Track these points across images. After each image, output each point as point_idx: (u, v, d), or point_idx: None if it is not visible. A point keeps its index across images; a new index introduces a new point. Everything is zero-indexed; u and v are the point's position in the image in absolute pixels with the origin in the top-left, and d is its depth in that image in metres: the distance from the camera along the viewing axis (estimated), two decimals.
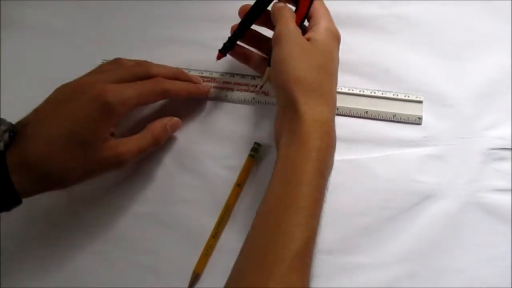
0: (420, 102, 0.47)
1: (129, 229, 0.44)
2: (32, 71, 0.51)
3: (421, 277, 0.41)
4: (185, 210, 0.44)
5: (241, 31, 0.45)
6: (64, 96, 0.39)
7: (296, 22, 0.42)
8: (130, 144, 0.41)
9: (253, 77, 0.48)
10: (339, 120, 0.46)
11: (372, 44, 0.50)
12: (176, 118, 0.46)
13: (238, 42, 0.46)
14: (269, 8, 0.44)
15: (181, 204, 0.44)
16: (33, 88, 0.49)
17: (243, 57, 0.46)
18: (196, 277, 0.42)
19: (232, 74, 0.48)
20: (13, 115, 0.48)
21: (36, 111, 0.39)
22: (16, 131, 0.37)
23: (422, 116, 0.46)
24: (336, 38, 0.41)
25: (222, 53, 0.46)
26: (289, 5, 0.43)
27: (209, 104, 0.48)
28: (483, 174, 0.44)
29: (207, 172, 0.45)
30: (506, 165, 0.45)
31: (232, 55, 0.47)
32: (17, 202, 0.36)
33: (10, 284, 0.43)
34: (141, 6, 0.53)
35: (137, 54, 0.48)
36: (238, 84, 0.48)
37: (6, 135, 0.36)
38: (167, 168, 0.46)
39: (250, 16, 0.44)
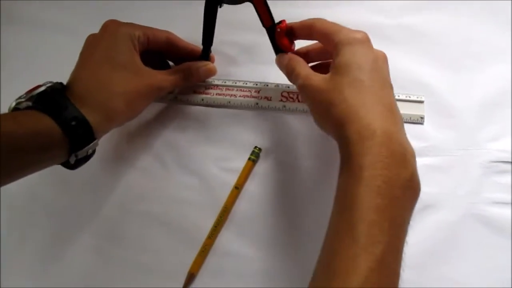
0: (421, 102, 0.47)
1: (126, 227, 0.44)
2: (33, 68, 0.51)
3: (417, 286, 0.41)
4: (183, 211, 0.45)
5: (205, 40, 0.45)
6: (92, 42, 0.42)
7: (267, 23, 0.42)
8: (164, 73, 0.44)
9: (256, 83, 0.49)
10: None
11: None
12: (211, 65, 0.47)
13: None
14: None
15: (180, 204, 0.45)
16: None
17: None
18: (191, 277, 0.42)
19: (234, 81, 0.49)
20: None
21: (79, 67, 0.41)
22: (93, 152, 0.40)
23: (424, 115, 0.46)
24: (360, 42, 0.38)
25: None
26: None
27: (211, 108, 0.48)
28: (483, 186, 0.44)
29: (207, 174, 0.46)
30: (506, 178, 0.44)
31: None
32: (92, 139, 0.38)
33: (9, 279, 0.43)
34: (146, 6, 0.53)
35: None
36: (241, 90, 0.49)
37: (90, 151, 0.39)
38: (168, 168, 0.46)
39: (206, 24, 0.44)
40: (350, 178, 0.31)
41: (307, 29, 0.41)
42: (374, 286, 0.28)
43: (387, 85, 0.37)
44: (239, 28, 0.51)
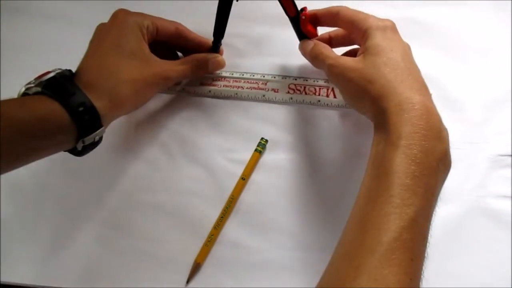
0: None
1: (133, 216, 0.45)
2: (37, 60, 0.50)
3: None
4: (190, 201, 0.45)
5: (216, 33, 0.45)
6: (101, 30, 0.42)
7: (292, 13, 0.42)
8: (173, 64, 0.45)
9: (263, 75, 0.49)
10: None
11: None
12: (220, 58, 0.48)
13: None
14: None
15: (186, 194, 0.45)
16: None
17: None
18: (196, 266, 0.42)
19: (241, 73, 0.49)
20: None
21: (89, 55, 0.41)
22: (100, 139, 0.40)
23: None
24: (390, 29, 0.40)
25: None
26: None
27: (218, 99, 0.49)
28: (489, 179, 0.44)
29: (214, 165, 0.46)
30: None
31: None
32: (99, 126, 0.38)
33: (14, 267, 0.44)
34: None
35: None
36: (248, 82, 0.49)
37: (97, 138, 0.39)
38: (175, 159, 0.46)
39: (219, 17, 0.44)
40: (387, 147, 0.33)
41: (333, 16, 0.42)
42: (406, 243, 0.29)
43: (418, 68, 0.38)
44: (247, 20, 0.51)
